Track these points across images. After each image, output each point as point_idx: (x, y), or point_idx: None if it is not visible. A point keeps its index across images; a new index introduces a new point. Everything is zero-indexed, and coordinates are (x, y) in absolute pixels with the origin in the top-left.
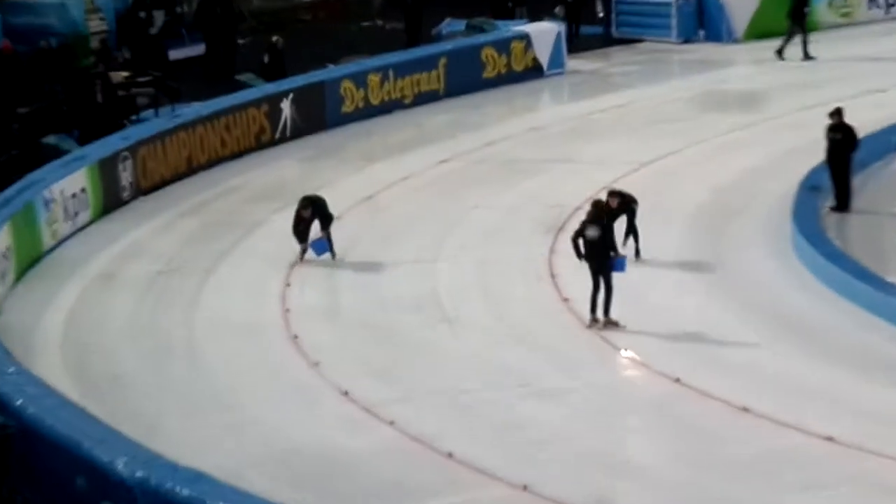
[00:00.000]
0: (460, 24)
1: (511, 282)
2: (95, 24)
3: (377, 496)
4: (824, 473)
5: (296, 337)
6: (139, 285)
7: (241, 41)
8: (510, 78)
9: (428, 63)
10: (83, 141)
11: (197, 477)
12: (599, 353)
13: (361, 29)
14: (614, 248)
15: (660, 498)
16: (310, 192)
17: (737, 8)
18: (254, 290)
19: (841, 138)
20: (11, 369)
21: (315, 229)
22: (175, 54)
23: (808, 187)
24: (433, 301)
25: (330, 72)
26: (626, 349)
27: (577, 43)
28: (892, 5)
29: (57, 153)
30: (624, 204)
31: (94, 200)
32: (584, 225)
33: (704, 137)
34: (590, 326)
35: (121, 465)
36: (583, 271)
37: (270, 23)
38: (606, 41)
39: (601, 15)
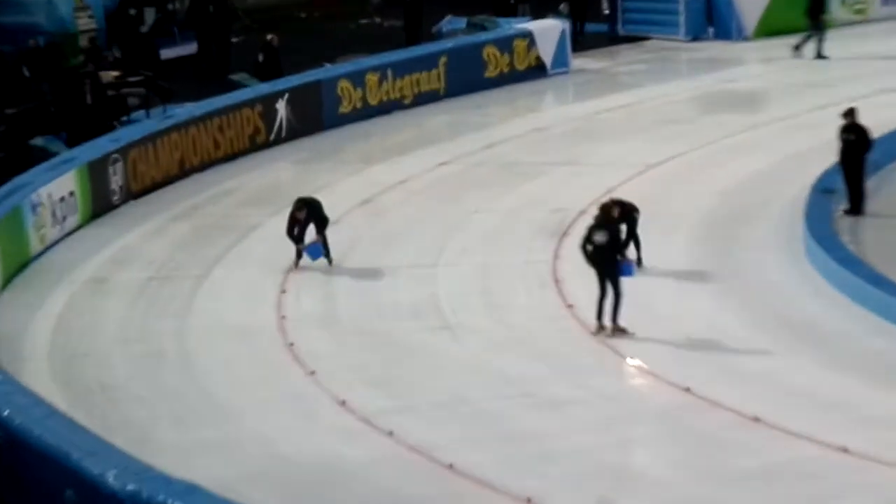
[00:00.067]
0: (461, 22)
1: (513, 288)
2: (84, 23)
3: None
4: (839, 485)
5: (292, 345)
6: (130, 292)
7: (234, 39)
8: (513, 77)
9: (428, 62)
10: (72, 143)
11: (190, 490)
12: (605, 362)
13: (359, 27)
14: (622, 252)
15: None
16: (306, 195)
17: (747, 4)
18: (248, 296)
19: (854, 139)
20: None
21: (310, 233)
22: (167, 53)
23: (821, 190)
24: (433, 307)
25: (327, 71)
26: (632, 357)
27: (581, 41)
28: None
29: (45, 155)
30: (624, 213)
31: (83, 204)
32: (590, 230)
33: (713, 138)
34: (596, 334)
35: (111, 478)
36: (588, 277)
37: (265, 20)
38: (612, 39)
39: (607, 12)
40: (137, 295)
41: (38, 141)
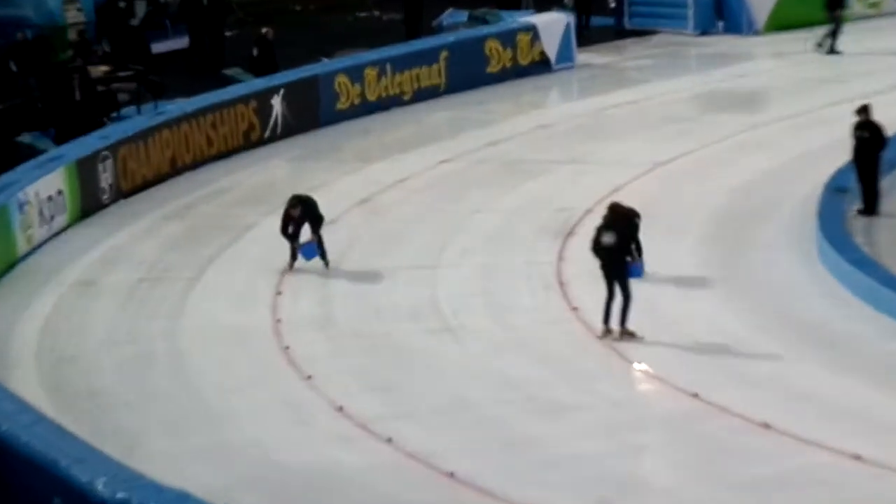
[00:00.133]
0: (462, 15)
1: (516, 290)
2: (73, 15)
3: None
4: (852, 494)
5: (287, 348)
6: (120, 293)
7: (228, 33)
8: (516, 72)
9: (428, 56)
10: (60, 140)
11: (182, 498)
12: (612, 366)
13: (357, 20)
14: (631, 253)
15: None
16: (301, 193)
17: None
18: (242, 298)
19: (868, 137)
20: None
21: (305, 232)
22: (158, 47)
23: (834, 189)
24: (433, 310)
25: (324, 66)
26: (639, 362)
27: (587, 35)
28: None
29: (32, 153)
30: (625, 219)
31: (72, 203)
32: (599, 231)
33: (723, 136)
34: (602, 337)
35: (101, 486)
36: (593, 279)
37: (260, 13)
38: (619, 33)
39: (613, 5)
40: (127, 297)
41: (25, 138)
